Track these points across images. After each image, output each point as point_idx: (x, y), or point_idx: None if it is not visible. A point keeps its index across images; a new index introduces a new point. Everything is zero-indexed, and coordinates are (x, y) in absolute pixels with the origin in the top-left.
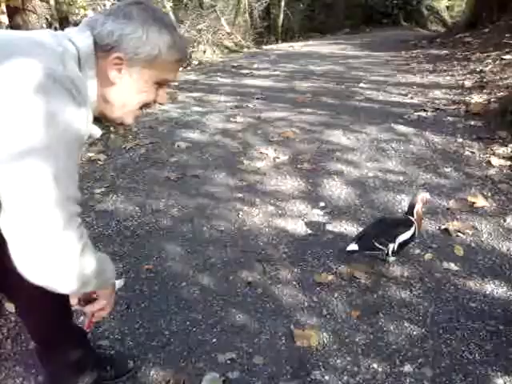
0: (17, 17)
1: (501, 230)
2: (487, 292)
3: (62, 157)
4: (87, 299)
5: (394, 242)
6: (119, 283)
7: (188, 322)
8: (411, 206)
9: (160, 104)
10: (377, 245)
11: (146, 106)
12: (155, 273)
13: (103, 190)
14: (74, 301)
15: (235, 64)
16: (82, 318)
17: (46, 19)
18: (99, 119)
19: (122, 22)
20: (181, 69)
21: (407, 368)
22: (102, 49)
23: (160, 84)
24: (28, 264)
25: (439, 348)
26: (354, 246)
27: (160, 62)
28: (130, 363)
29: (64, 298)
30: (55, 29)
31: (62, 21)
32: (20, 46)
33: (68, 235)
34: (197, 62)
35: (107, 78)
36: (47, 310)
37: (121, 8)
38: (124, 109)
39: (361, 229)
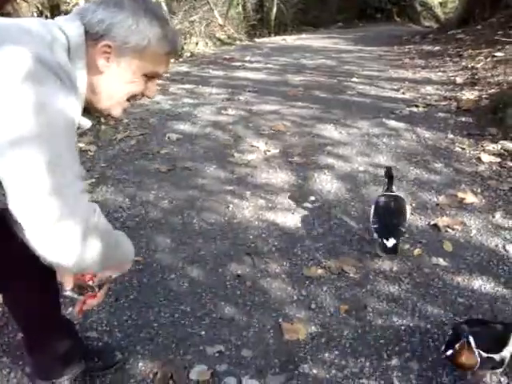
0: (7, 5)
1: (489, 226)
2: (475, 287)
3: (58, 141)
4: (81, 286)
5: (406, 219)
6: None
7: (177, 315)
8: (390, 183)
9: (148, 97)
10: (402, 230)
11: (133, 98)
12: (144, 265)
13: (93, 180)
14: (68, 286)
15: (227, 56)
16: (70, 308)
17: (37, 7)
18: (89, 110)
19: (112, 10)
20: (173, 60)
21: (394, 362)
22: (92, 37)
23: (149, 76)
24: (32, 243)
25: (426, 342)
26: (393, 241)
27: (149, 53)
28: (118, 355)
29: (53, 289)
30: (46, 17)
31: (53, 9)
32: (9, 33)
33: (64, 224)
34: (189, 54)
35: (96, 66)
36: (35, 300)
37: None
38: (111, 100)
39: (352, 223)
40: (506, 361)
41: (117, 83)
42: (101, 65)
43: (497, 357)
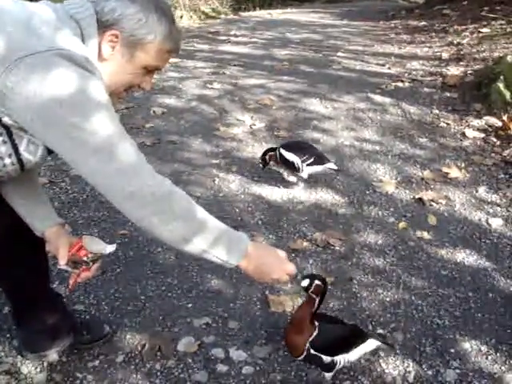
0: None
1: (473, 200)
2: (458, 260)
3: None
4: (75, 260)
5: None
6: (111, 248)
7: (163, 287)
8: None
9: (144, 89)
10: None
11: (130, 89)
12: (130, 238)
13: None
14: (62, 261)
15: (212, 30)
16: (57, 282)
17: None
18: None
19: (125, 2)
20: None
21: (379, 333)
22: (102, 24)
23: (148, 70)
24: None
25: (411, 314)
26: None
27: (153, 48)
28: (105, 328)
29: (42, 262)
30: None
31: None
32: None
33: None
34: None
35: (100, 53)
36: (24, 273)
37: None
38: (110, 88)
39: (338, 197)
40: (338, 366)
41: (117, 72)
42: (105, 52)
43: (327, 358)
